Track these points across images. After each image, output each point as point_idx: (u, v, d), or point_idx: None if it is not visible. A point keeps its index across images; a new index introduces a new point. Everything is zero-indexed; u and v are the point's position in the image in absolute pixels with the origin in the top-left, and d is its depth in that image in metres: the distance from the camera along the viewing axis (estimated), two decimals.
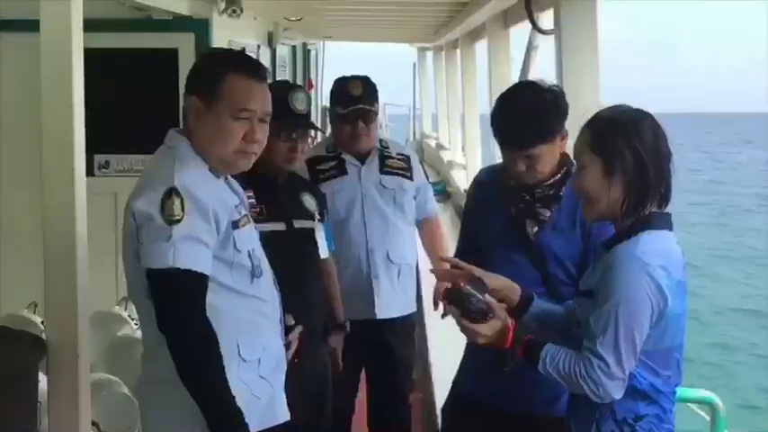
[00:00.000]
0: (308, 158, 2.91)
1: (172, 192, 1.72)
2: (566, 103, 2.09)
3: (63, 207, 2.35)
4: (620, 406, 1.70)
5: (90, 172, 4.32)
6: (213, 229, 1.76)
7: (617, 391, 1.67)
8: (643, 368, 1.70)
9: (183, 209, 1.71)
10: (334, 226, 2.85)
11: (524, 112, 2.04)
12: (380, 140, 3.02)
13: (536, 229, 2.12)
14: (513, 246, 2.14)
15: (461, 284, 1.81)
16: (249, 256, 1.84)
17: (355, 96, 2.88)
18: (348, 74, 3.01)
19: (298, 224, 2.45)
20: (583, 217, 1.91)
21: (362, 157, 2.96)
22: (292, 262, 2.27)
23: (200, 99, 1.82)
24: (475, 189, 2.35)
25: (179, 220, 1.70)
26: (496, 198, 2.19)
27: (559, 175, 2.12)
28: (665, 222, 1.75)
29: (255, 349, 1.84)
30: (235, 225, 1.81)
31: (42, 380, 2.47)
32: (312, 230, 2.50)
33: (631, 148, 1.71)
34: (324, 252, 2.55)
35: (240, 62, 1.89)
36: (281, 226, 2.38)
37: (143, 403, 1.92)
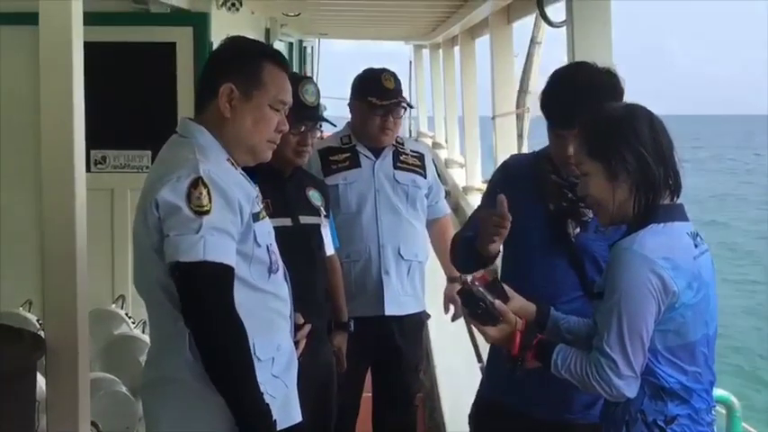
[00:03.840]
0: (320, 149, 2.90)
1: (198, 181, 1.64)
2: (622, 86, 1.98)
3: (63, 205, 2.30)
4: (649, 407, 1.66)
5: (86, 168, 4.31)
6: (238, 220, 1.69)
7: (630, 390, 1.62)
8: (667, 365, 1.66)
9: (210, 199, 1.64)
10: (346, 219, 2.83)
11: (581, 89, 1.95)
12: (396, 137, 2.99)
13: (578, 230, 2.03)
14: (551, 245, 2.04)
15: (476, 284, 1.78)
16: (267, 250, 1.78)
17: (391, 90, 2.87)
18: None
19: (304, 220, 2.40)
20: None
21: (377, 151, 2.93)
22: (298, 258, 2.21)
23: (237, 87, 1.75)
24: (504, 177, 2.20)
25: (207, 211, 1.63)
26: (532, 191, 2.08)
27: None
28: (674, 214, 1.69)
29: (270, 348, 1.78)
30: (255, 217, 1.75)
31: (40, 379, 2.41)
32: (318, 226, 2.45)
33: (630, 147, 1.66)
34: (329, 249, 2.50)
35: (272, 52, 1.85)
36: (287, 221, 2.32)
37: (150, 405, 1.82)
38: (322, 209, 2.48)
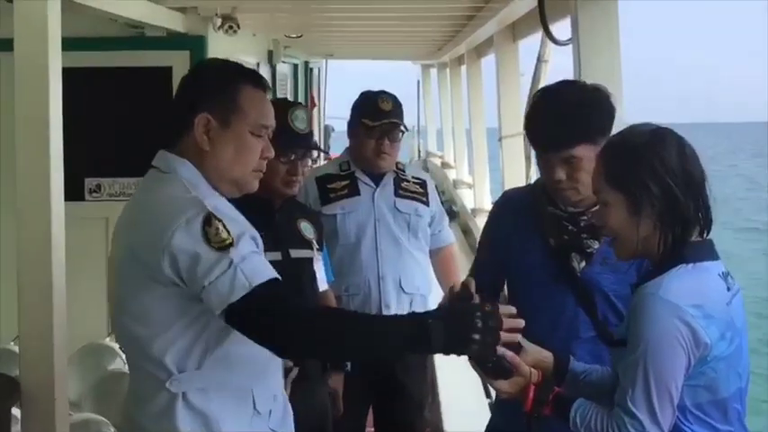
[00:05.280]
0: (318, 176, 2.79)
1: (210, 217, 1.50)
2: (611, 104, 1.86)
3: (38, 237, 2.19)
4: None
5: (80, 196, 4.23)
6: (255, 244, 1.57)
7: None
8: (697, 424, 1.49)
9: (228, 231, 1.50)
10: (344, 250, 2.71)
11: (565, 108, 1.82)
12: (397, 163, 2.87)
13: (583, 263, 1.86)
14: (556, 283, 1.88)
15: None
16: None
17: (385, 111, 2.75)
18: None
19: (294, 254, 2.27)
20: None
21: (377, 179, 2.81)
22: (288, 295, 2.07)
23: (213, 116, 1.61)
24: (502, 212, 2.06)
25: (231, 243, 1.49)
26: (531, 226, 1.92)
27: None
28: (703, 253, 1.52)
29: (267, 398, 1.62)
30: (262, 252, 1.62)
31: (16, 424, 2.28)
32: (310, 260, 2.31)
33: (656, 177, 1.49)
34: (323, 284, 2.36)
35: (247, 73, 1.70)
36: (276, 256, 2.17)
37: None
38: (314, 242, 2.35)
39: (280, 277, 1.52)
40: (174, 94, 4.30)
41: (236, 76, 1.66)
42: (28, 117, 2.20)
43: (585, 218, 1.86)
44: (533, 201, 1.94)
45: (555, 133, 1.81)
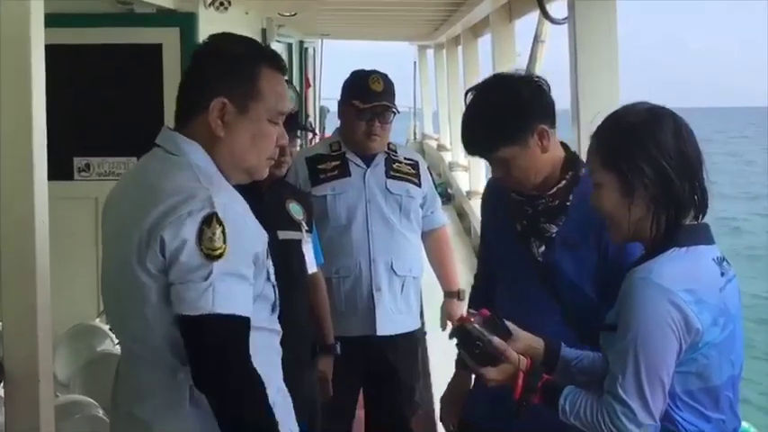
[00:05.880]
0: (308, 157, 2.75)
1: (212, 218, 1.39)
2: (541, 97, 1.82)
3: (20, 220, 2.14)
4: None
5: (69, 175, 4.17)
6: (252, 262, 1.46)
7: None
8: (688, 411, 1.46)
9: (224, 239, 1.39)
10: (334, 232, 2.66)
11: (484, 112, 1.80)
12: (388, 144, 2.82)
13: (543, 247, 1.84)
14: (522, 270, 1.86)
15: (471, 321, 1.59)
16: (273, 286, 1.57)
17: (376, 92, 2.69)
18: (347, 72, 2.81)
19: (282, 235, 2.23)
20: (599, 230, 1.69)
21: (368, 159, 2.76)
22: (278, 277, 2.02)
23: (231, 101, 1.50)
24: (486, 198, 2.07)
25: (220, 255, 1.39)
26: (504, 212, 1.91)
27: (564, 182, 1.84)
28: (698, 236, 1.49)
29: (271, 392, 1.51)
30: (268, 253, 1.54)
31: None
32: (299, 242, 2.27)
33: (649, 158, 1.46)
34: (312, 266, 2.32)
35: (267, 54, 1.59)
36: None
37: None
38: (303, 223, 2.30)
39: (249, 317, 1.42)
40: (163, 71, 4.19)
41: (257, 59, 1.55)
42: (10, 95, 2.14)
43: (542, 201, 1.84)
44: (507, 189, 1.92)
45: (473, 140, 1.82)
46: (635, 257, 1.56)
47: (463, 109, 1.86)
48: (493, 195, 2.01)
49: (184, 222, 1.40)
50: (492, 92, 1.83)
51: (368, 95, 2.67)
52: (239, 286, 1.42)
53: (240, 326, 1.41)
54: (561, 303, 1.84)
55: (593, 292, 1.81)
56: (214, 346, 1.39)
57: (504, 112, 1.78)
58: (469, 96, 1.85)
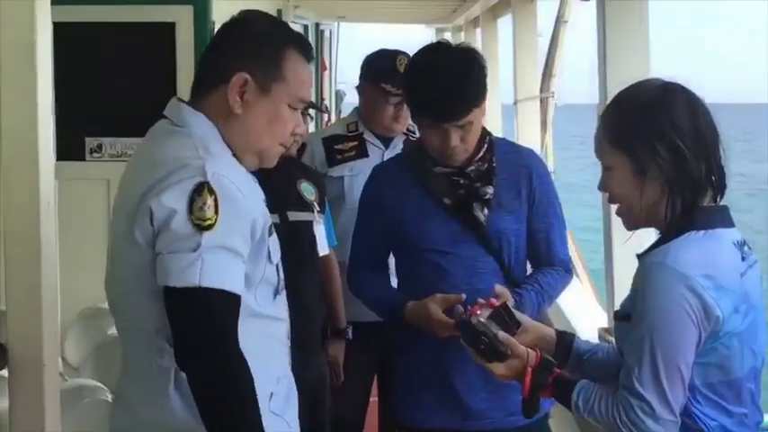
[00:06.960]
0: (324, 137, 2.69)
1: (204, 187, 1.34)
2: (483, 59, 1.92)
3: (25, 203, 2.07)
4: None
5: (81, 156, 4.12)
6: (248, 236, 1.40)
7: None
8: (709, 406, 1.37)
9: (216, 210, 1.34)
10: (351, 214, 2.56)
11: (453, 77, 1.84)
12: (408, 125, 2.75)
13: (486, 211, 1.91)
14: (459, 238, 1.91)
15: (477, 314, 1.52)
16: (277, 268, 1.50)
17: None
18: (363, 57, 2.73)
19: (293, 216, 2.17)
20: (527, 181, 1.90)
21: (387, 140, 2.69)
22: (286, 260, 1.94)
23: (253, 78, 1.45)
24: (378, 187, 2.04)
25: (211, 225, 1.33)
26: (421, 192, 1.93)
27: (486, 146, 1.96)
28: (716, 219, 1.40)
29: (267, 382, 1.46)
30: (270, 230, 1.47)
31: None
32: (310, 224, 2.20)
33: (663, 136, 1.37)
34: (323, 248, 2.24)
35: (296, 39, 1.54)
36: (273, 218, 2.05)
37: None
38: (315, 204, 2.23)
39: (239, 295, 1.36)
40: (176, 50, 4.11)
41: (286, 40, 1.50)
42: (13, 74, 2.07)
43: (473, 167, 1.92)
44: (417, 166, 1.95)
45: (453, 104, 1.84)
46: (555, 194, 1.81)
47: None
48: (389, 181, 2.01)
49: (174, 190, 1.35)
50: (457, 58, 1.88)
51: (398, 79, 2.58)
52: (230, 261, 1.35)
53: (228, 302, 1.35)
54: (502, 264, 1.92)
55: (523, 249, 1.96)
56: (197, 320, 1.33)
57: (476, 74, 1.87)
58: (423, 62, 1.91)
